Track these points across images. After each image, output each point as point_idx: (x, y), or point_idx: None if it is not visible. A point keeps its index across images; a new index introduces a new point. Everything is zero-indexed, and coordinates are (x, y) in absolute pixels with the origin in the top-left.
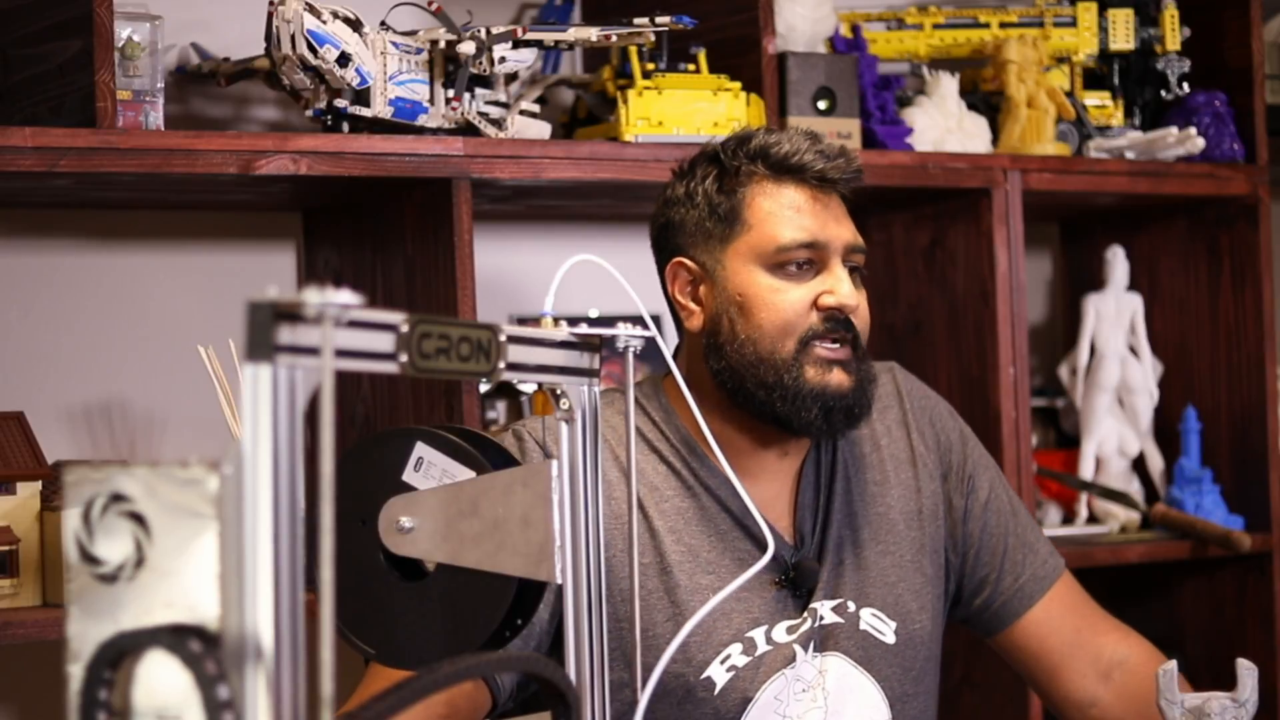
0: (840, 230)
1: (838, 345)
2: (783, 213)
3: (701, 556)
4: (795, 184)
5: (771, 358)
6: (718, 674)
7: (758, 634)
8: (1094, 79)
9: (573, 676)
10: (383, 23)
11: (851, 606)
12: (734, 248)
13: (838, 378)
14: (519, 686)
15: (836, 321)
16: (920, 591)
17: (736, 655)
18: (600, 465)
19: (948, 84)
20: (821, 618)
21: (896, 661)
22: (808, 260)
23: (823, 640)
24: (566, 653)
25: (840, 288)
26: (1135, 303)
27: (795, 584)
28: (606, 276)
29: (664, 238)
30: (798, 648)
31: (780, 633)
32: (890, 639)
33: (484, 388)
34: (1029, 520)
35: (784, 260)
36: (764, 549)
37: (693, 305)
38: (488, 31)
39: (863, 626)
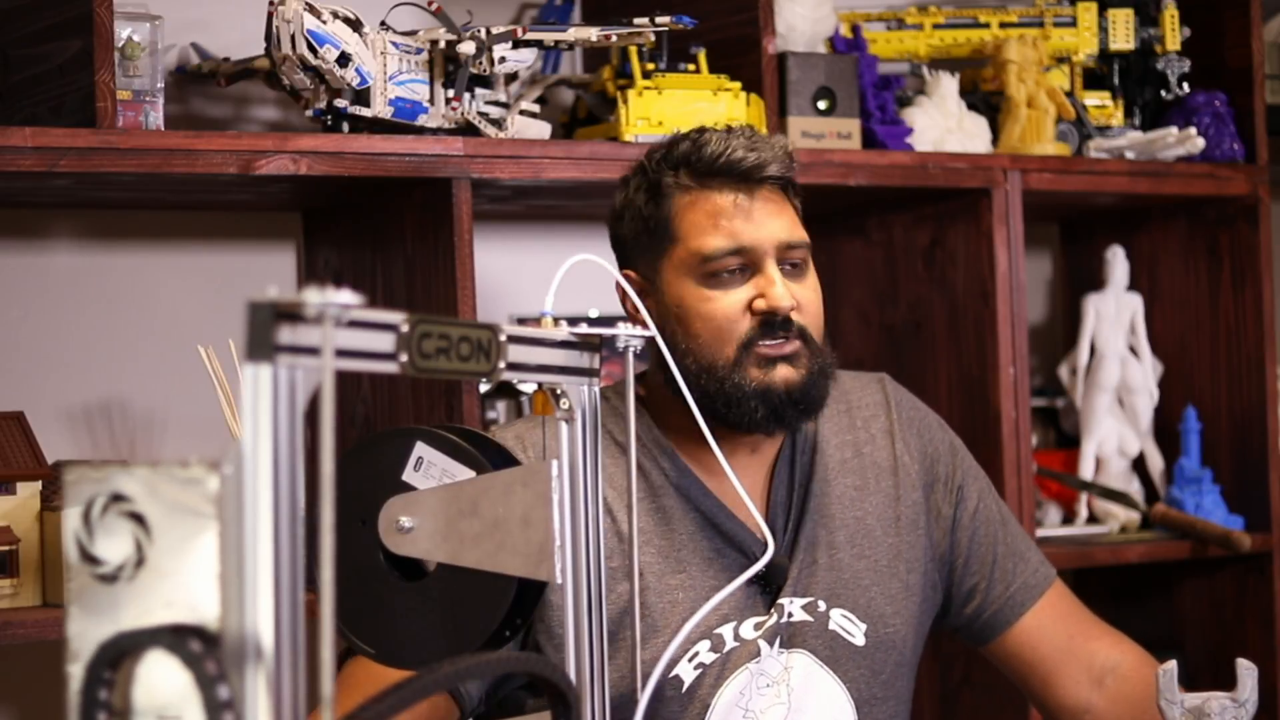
0: (770, 229)
1: (781, 341)
2: (705, 222)
3: (670, 558)
4: (719, 188)
5: (712, 365)
6: (685, 672)
7: (726, 630)
8: (1094, 79)
9: (573, 676)
10: (383, 23)
11: (822, 606)
12: (667, 260)
13: (783, 373)
14: (488, 694)
15: (774, 324)
16: (895, 597)
17: (705, 653)
18: None
19: (948, 84)
20: (790, 615)
21: (865, 664)
22: (739, 266)
23: (790, 637)
24: (566, 653)
25: (772, 290)
26: (1135, 303)
27: (764, 581)
28: (606, 276)
29: (615, 250)
30: (762, 643)
31: (748, 629)
32: (859, 640)
33: (484, 388)
34: (1019, 530)
35: (712, 269)
36: (735, 545)
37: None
38: (488, 31)
39: (831, 626)
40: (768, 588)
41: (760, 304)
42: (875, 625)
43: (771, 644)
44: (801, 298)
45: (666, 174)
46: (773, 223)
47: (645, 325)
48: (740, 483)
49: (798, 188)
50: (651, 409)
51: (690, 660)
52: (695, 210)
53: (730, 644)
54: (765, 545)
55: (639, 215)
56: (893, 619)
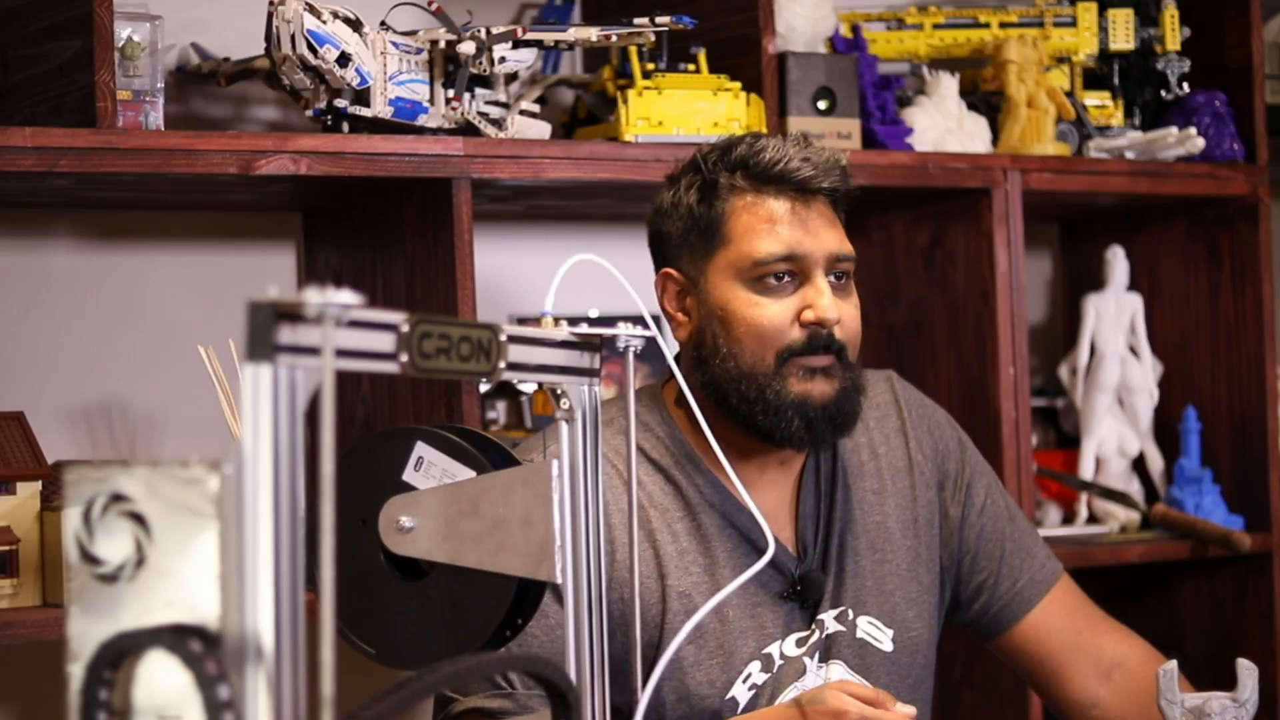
0: (823, 240)
1: (819, 356)
2: (760, 226)
3: (712, 575)
4: (775, 194)
5: (752, 372)
6: (741, 693)
7: (774, 649)
8: (1094, 79)
9: (573, 676)
10: (383, 23)
11: (850, 614)
12: (715, 261)
13: (820, 387)
14: None
15: (818, 336)
16: (916, 600)
17: (757, 673)
18: (602, 486)
19: (948, 84)
20: (827, 628)
21: (894, 669)
22: (788, 273)
23: (826, 649)
24: (566, 653)
25: (820, 301)
26: (1135, 303)
27: (803, 596)
28: (606, 276)
29: (655, 246)
30: (807, 659)
31: (791, 646)
32: (887, 646)
33: (484, 388)
34: (1026, 525)
35: (762, 274)
36: (771, 562)
37: (681, 316)
38: (488, 31)
39: (859, 634)
40: (805, 603)
41: (808, 315)
42: (900, 630)
43: (814, 659)
44: (844, 314)
45: (723, 175)
46: (826, 234)
47: (680, 327)
48: (770, 496)
49: (845, 202)
50: (684, 420)
51: (744, 682)
52: (750, 214)
53: (779, 662)
54: (798, 560)
55: (689, 213)
56: (915, 622)
